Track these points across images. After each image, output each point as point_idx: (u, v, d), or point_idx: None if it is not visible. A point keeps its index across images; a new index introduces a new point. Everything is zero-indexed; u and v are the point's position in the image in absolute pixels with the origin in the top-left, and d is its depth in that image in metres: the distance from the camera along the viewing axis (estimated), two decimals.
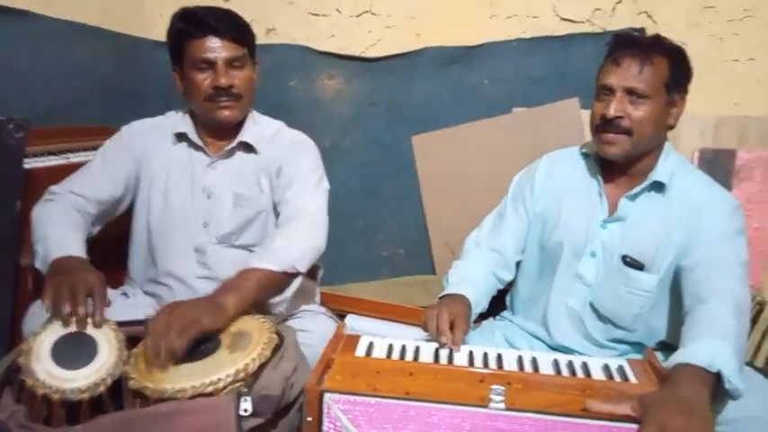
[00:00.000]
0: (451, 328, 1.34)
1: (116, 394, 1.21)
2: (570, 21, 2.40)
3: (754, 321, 1.98)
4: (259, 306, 1.43)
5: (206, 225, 1.65)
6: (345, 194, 2.59)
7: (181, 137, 1.68)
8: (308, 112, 2.59)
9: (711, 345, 1.12)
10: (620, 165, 1.49)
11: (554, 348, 1.56)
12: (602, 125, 1.44)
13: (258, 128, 1.70)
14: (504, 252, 1.65)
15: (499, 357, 1.27)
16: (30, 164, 1.77)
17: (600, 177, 1.54)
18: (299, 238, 1.52)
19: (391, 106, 2.57)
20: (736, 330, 1.18)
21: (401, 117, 2.56)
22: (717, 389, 1.10)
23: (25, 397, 1.18)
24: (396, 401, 1.06)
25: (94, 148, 1.77)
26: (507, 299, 1.75)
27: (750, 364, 1.87)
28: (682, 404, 1.01)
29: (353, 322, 2.11)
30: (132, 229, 1.72)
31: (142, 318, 1.45)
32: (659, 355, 1.31)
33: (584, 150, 1.61)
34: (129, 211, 1.72)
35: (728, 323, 1.19)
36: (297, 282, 1.52)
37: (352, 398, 1.07)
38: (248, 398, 1.16)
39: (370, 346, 1.30)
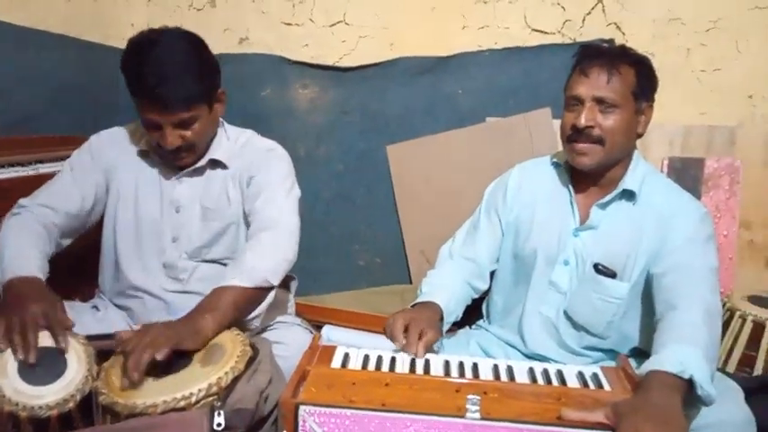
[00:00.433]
0: (407, 332, 1.34)
1: (86, 410, 1.18)
2: (541, 32, 2.44)
3: (724, 328, 2.01)
4: (236, 323, 1.41)
5: (175, 240, 1.63)
6: (320, 204, 2.59)
7: (146, 152, 1.65)
8: (281, 121, 2.59)
9: (683, 351, 1.14)
10: (590, 174, 1.51)
11: (529, 357, 1.57)
12: (574, 135, 1.46)
13: (228, 143, 1.67)
14: (478, 261, 1.66)
15: (475, 366, 1.27)
16: None
17: (571, 186, 1.56)
18: (271, 251, 1.50)
19: (365, 116, 2.57)
20: (707, 336, 1.20)
21: (375, 126, 2.56)
22: (689, 395, 1.12)
23: None
24: (372, 413, 1.05)
25: (64, 159, 1.73)
26: (483, 308, 1.76)
27: (722, 370, 1.90)
28: (655, 411, 1.02)
29: (330, 333, 2.09)
30: (102, 242, 1.69)
31: (113, 332, 1.43)
32: (632, 362, 1.32)
33: (554, 160, 1.63)
34: (100, 223, 1.69)
35: (699, 329, 1.20)
36: (271, 295, 1.50)
37: (327, 410, 1.05)
38: (221, 412, 1.14)
39: (346, 358, 1.29)
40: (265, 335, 1.56)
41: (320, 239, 2.60)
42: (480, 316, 1.76)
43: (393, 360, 1.29)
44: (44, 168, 1.90)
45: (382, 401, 1.09)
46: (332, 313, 2.29)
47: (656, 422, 0.99)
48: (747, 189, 2.31)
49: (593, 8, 2.39)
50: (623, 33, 2.38)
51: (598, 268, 1.48)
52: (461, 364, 1.28)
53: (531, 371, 1.27)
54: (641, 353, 1.50)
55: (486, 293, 1.73)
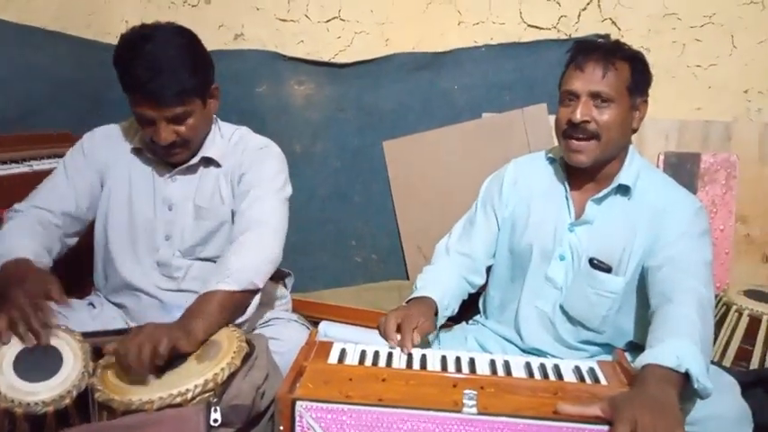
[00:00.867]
0: (400, 330, 1.34)
1: (82, 407, 1.18)
2: (536, 27, 2.44)
3: (721, 322, 2.02)
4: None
5: (168, 238, 1.62)
6: (316, 200, 2.59)
7: (139, 150, 1.64)
8: (277, 118, 2.58)
9: (678, 345, 1.14)
10: (586, 169, 1.51)
11: (526, 351, 1.57)
12: (569, 130, 1.46)
13: (222, 140, 1.66)
14: (474, 257, 1.66)
15: (472, 362, 1.28)
16: None
17: (566, 182, 1.56)
18: (255, 253, 1.48)
19: (361, 112, 2.57)
20: (702, 330, 1.20)
21: (371, 123, 2.56)
22: (686, 389, 1.12)
23: None
24: (368, 408, 1.05)
25: (59, 156, 1.73)
26: (480, 303, 1.76)
27: (718, 364, 1.90)
28: (651, 403, 1.03)
29: (327, 329, 2.10)
30: (94, 240, 1.68)
31: (109, 329, 1.43)
32: (628, 356, 1.33)
33: (550, 155, 1.63)
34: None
35: (694, 322, 1.21)
36: (257, 298, 1.49)
37: (324, 405, 1.06)
38: (218, 408, 1.14)
39: (343, 353, 1.29)
40: (262, 331, 1.56)
41: (317, 236, 2.60)
42: (477, 311, 1.77)
43: (390, 355, 1.29)
44: (39, 165, 1.90)
45: (379, 397, 1.09)
46: (329, 309, 2.29)
47: (654, 413, 1.00)
48: (743, 184, 2.32)
49: (588, 4, 2.39)
50: (618, 29, 2.38)
51: (593, 263, 1.49)
52: (458, 360, 1.28)
53: (528, 365, 1.27)
54: (637, 347, 1.50)
55: (483, 289, 1.73)
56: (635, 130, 1.52)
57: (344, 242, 2.63)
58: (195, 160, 1.61)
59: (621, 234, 1.47)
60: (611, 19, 2.38)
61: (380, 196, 2.57)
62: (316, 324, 1.57)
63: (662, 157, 2.35)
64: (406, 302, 1.51)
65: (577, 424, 1.03)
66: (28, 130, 2.08)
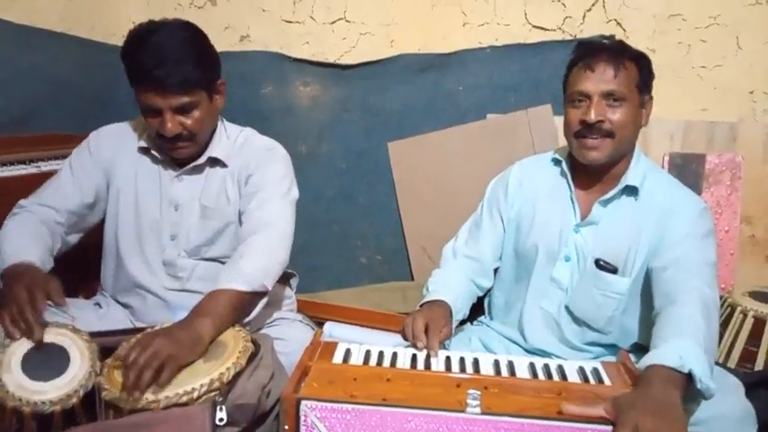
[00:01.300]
0: (426, 333, 1.35)
1: (89, 406, 1.19)
2: (541, 28, 2.44)
3: (725, 323, 2.02)
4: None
5: (174, 238, 1.63)
6: (321, 202, 2.60)
7: (146, 149, 1.65)
8: (283, 119, 2.59)
9: (682, 345, 1.14)
10: (592, 170, 1.51)
11: (530, 352, 1.57)
12: (583, 131, 1.46)
13: (228, 141, 1.67)
14: (481, 259, 1.66)
15: (476, 362, 1.28)
16: None
17: (571, 182, 1.56)
18: (266, 255, 1.50)
19: (366, 113, 2.57)
20: (706, 330, 1.20)
21: (376, 124, 2.57)
22: (689, 389, 1.12)
23: None
24: (373, 408, 1.06)
25: (64, 157, 1.74)
26: (485, 304, 1.76)
27: (723, 365, 1.90)
28: (654, 405, 1.03)
29: (332, 329, 2.11)
30: (104, 240, 1.69)
31: (115, 329, 1.44)
32: (633, 357, 1.33)
33: (555, 156, 1.63)
34: (103, 220, 1.69)
35: (698, 323, 1.21)
36: (263, 301, 1.50)
37: (329, 405, 1.06)
38: (223, 407, 1.15)
39: (348, 353, 1.29)
40: (267, 331, 1.56)
41: (322, 237, 2.60)
42: (482, 312, 1.77)
43: (394, 355, 1.30)
44: (45, 166, 1.91)
45: (383, 396, 1.10)
46: (333, 310, 2.30)
47: (656, 416, 1.00)
48: (748, 185, 2.31)
49: (593, 5, 2.39)
50: (624, 30, 2.37)
51: (599, 264, 1.49)
52: (462, 360, 1.29)
53: (532, 366, 1.27)
54: (642, 348, 1.50)
55: (488, 290, 1.73)
56: (642, 126, 1.53)
57: (349, 243, 2.63)
58: (202, 160, 1.62)
59: (627, 235, 1.47)
60: (615, 20, 2.38)
61: (385, 197, 2.58)
62: (320, 324, 1.59)
63: (667, 158, 2.34)
64: (420, 306, 1.52)
65: (581, 424, 1.03)
66: (31, 131, 2.08)
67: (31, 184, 1.63)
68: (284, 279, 1.83)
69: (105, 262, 1.70)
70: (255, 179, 1.61)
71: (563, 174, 1.59)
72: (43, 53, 2.19)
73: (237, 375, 1.21)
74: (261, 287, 1.45)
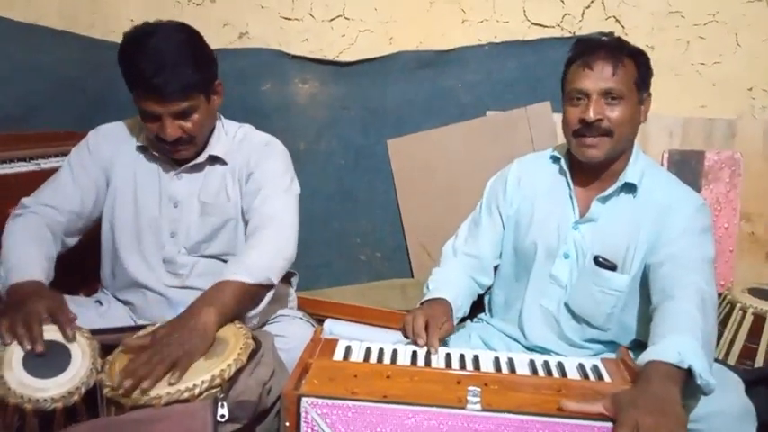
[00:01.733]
0: (426, 330, 1.35)
1: (91, 403, 1.19)
2: (540, 25, 2.44)
3: (725, 320, 2.02)
4: (235, 319, 1.41)
5: (173, 235, 1.63)
6: (321, 199, 2.60)
7: (144, 148, 1.65)
8: (282, 116, 2.59)
9: (681, 341, 1.14)
10: (591, 167, 1.52)
11: (530, 349, 1.58)
12: (582, 129, 1.46)
13: (227, 138, 1.67)
14: (481, 257, 1.66)
15: (476, 359, 1.28)
16: None
17: (570, 180, 1.56)
18: (272, 249, 1.50)
19: (365, 110, 2.57)
20: (704, 326, 1.20)
21: (376, 121, 2.57)
22: (689, 385, 1.12)
23: None
24: (373, 404, 1.06)
25: (65, 154, 1.74)
26: (485, 301, 1.77)
27: (723, 362, 1.91)
28: (653, 402, 1.03)
29: (332, 327, 2.11)
30: (101, 239, 1.69)
31: (116, 326, 1.44)
32: (632, 354, 1.33)
33: (553, 154, 1.64)
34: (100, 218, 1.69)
35: (696, 319, 1.21)
36: (269, 294, 1.50)
37: (329, 402, 1.06)
38: (225, 403, 1.15)
39: (348, 350, 1.30)
40: (267, 328, 1.57)
41: (321, 234, 2.60)
42: (481, 309, 1.77)
43: (394, 352, 1.30)
44: (45, 164, 1.91)
45: (384, 393, 1.10)
46: (333, 307, 2.30)
47: (655, 413, 1.00)
48: (748, 181, 2.32)
49: (592, 2, 2.39)
50: (622, 27, 2.38)
51: (598, 261, 1.49)
52: (462, 357, 1.29)
53: (532, 363, 1.28)
54: (641, 344, 1.50)
55: (488, 287, 1.74)
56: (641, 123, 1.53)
57: (349, 240, 2.64)
58: (202, 159, 1.62)
59: (626, 231, 1.48)
60: (614, 17, 2.38)
61: (385, 194, 2.58)
62: (321, 322, 1.59)
63: (666, 155, 2.35)
64: (421, 304, 1.52)
65: (581, 421, 1.03)
66: (32, 128, 2.09)
67: (32, 182, 1.64)
68: (285, 277, 1.83)
69: (103, 260, 1.70)
70: (256, 176, 1.61)
71: (562, 171, 1.59)
72: (44, 51, 2.19)
73: (239, 372, 1.21)
74: (266, 280, 1.45)
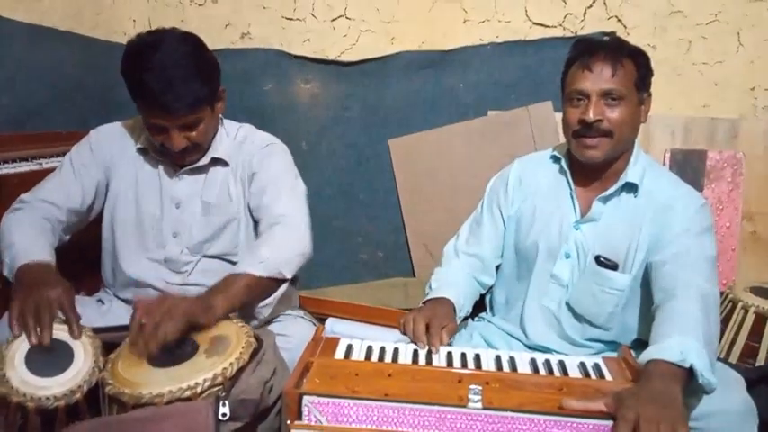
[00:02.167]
0: (428, 331, 1.35)
1: (93, 401, 1.20)
2: (542, 25, 2.44)
3: (727, 319, 2.02)
4: (246, 309, 1.43)
5: (176, 235, 1.63)
6: (323, 198, 2.60)
7: (145, 150, 1.65)
8: (283, 116, 2.60)
9: (682, 340, 1.14)
10: (591, 167, 1.51)
11: (532, 348, 1.57)
12: (582, 130, 1.46)
13: (228, 139, 1.67)
14: (483, 257, 1.66)
15: (477, 357, 1.28)
16: (0, 170, 1.75)
17: (571, 180, 1.56)
18: (286, 245, 1.51)
19: (367, 110, 2.58)
20: (706, 325, 1.20)
21: (377, 121, 2.57)
22: (690, 384, 1.13)
23: None
24: (375, 403, 1.06)
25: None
26: (487, 300, 1.77)
27: (724, 360, 1.90)
28: (655, 400, 1.03)
29: (334, 325, 2.11)
30: (102, 238, 1.69)
31: (118, 324, 1.44)
32: (634, 353, 1.33)
33: (554, 153, 1.63)
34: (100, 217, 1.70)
35: (697, 318, 1.21)
36: (283, 287, 1.51)
37: (330, 400, 1.06)
38: (226, 402, 1.15)
39: (349, 349, 1.30)
40: (269, 327, 1.57)
41: (323, 233, 2.59)
42: (483, 308, 1.77)
43: (396, 351, 1.30)
44: (47, 164, 1.91)
45: (385, 392, 1.10)
46: (335, 306, 2.30)
47: (656, 405, 1.01)
48: (750, 181, 2.32)
49: (594, 1, 2.39)
50: (624, 26, 2.38)
51: (599, 260, 1.49)
52: (464, 355, 1.29)
53: (534, 361, 1.28)
54: (643, 343, 1.50)
55: (490, 286, 1.74)
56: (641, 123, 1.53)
57: (351, 239, 2.64)
58: (205, 161, 1.63)
59: (627, 231, 1.48)
60: (616, 17, 2.38)
61: (386, 194, 2.58)
62: (322, 321, 1.59)
63: (668, 155, 2.35)
64: (423, 303, 1.52)
65: (582, 419, 1.03)
66: (36, 129, 2.09)
67: (33, 182, 1.64)
68: None
69: (103, 261, 1.71)
70: (260, 176, 1.62)
71: (562, 171, 1.59)
72: (47, 51, 2.20)
73: (240, 371, 1.21)
74: (278, 274, 1.46)
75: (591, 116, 1.43)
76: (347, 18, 2.57)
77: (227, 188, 1.64)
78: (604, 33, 2.34)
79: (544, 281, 1.56)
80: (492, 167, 1.80)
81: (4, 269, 1.43)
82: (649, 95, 1.52)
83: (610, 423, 1.02)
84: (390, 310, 2.23)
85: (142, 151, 1.65)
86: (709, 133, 2.36)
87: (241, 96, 2.49)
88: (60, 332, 1.26)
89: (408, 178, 2.55)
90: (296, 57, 2.60)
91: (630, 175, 1.49)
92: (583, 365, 1.26)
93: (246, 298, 1.41)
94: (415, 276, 2.56)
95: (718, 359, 1.29)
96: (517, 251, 1.63)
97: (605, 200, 1.51)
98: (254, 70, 2.59)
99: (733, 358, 1.97)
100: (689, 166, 2.33)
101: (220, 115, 1.68)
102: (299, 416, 1.07)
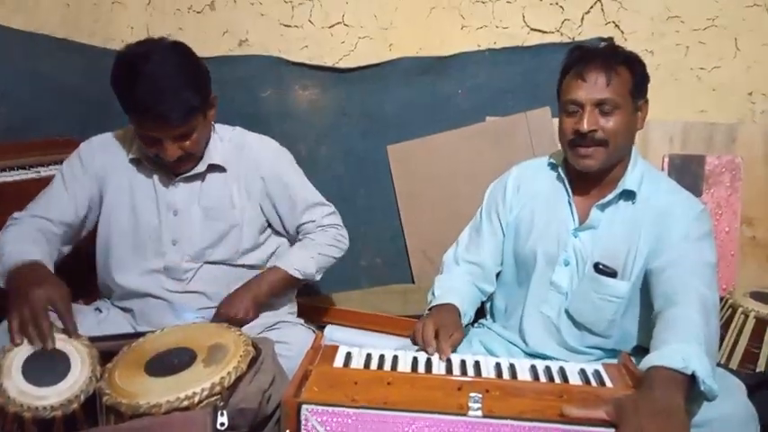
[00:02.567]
0: (437, 337, 1.35)
1: (90, 411, 1.19)
2: (540, 31, 2.44)
3: (727, 324, 2.02)
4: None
5: (175, 243, 1.63)
6: None
7: (138, 160, 1.64)
8: (281, 122, 2.59)
9: (684, 347, 1.13)
10: (590, 174, 1.51)
11: (531, 356, 1.57)
12: (577, 140, 1.46)
13: (222, 144, 1.67)
14: (483, 265, 1.66)
15: (477, 365, 1.28)
16: None
17: (569, 187, 1.56)
18: (328, 252, 1.81)
19: (365, 116, 2.58)
20: (707, 332, 1.19)
21: (375, 127, 2.57)
22: (691, 390, 1.12)
23: None
24: (374, 412, 1.06)
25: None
26: (486, 306, 1.76)
27: (725, 366, 1.90)
28: (657, 408, 1.02)
29: (332, 333, 2.11)
30: (96, 250, 1.69)
31: (115, 333, 1.44)
32: (634, 360, 1.32)
33: (551, 161, 1.63)
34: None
35: (699, 325, 1.20)
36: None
37: (329, 409, 1.06)
38: (224, 411, 1.15)
39: (348, 357, 1.29)
40: (268, 334, 1.56)
41: None
42: (483, 314, 1.77)
43: (395, 359, 1.29)
44: (44, 171, 1.91)
45: (384, 400, 1.10)
46: (334, 313, 2.30)
47: (658, 419, 0.99)
48: (748, 186, 2.32)
49: (591, 7, 2.39)
50: (622, 32, 2.38)
51: (598, 268, 1.48)
52: (463, 363, 1.28)
53: (534, 368, 1.27)
54: (643, 350, 1.49)
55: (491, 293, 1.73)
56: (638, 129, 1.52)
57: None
58: (201, 168, 1.62)
59: (626, 238, 1.47)
60: (614, 22, 2.38)
61: (385, 200, 2.58)
62: (321, 328, 1.59)
63: (666, 160, 2.35)
64: (428, 310, 1.52)
65: (583, 427, 1.03)
66: (34, 137, 2.09)
67: (30, 190, 1.64)
68: None
69: (99, 271, 1.70)
70: (282, 190, 1.71)
71: (560, 178, 1.59)
72: (45, 59, 2.19)
73: (239, 380, 1.21)
74: (311, 276, 1.75)
75: (585, 126, 1.43)
76: (345, 24, 2.57)
77: (230, 195, 1.64)
78: (602, 39, 2.34)
79: (543, 288, 1.56)
80: (491, 173, 1.80)
81: None
82: (646, 102, 1.51)
83: (611, 431, 1.02)
84: (389, 318, 2.23)
85: (135, 161, 1.64)
86: (708, 138, 2.36)
87: (239, 103, 2.49)
88: (57, 341, 1.25)
89: (407, 184, 2.55)
90: (294, 63, 2.60)
91: (628, 182, 1.48)
92: (583, 372, 1.25)
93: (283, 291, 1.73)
94: (414, 283, 2.55)
95: (719, 365, 1.28)
96: (516, 258, 1.63)
97: (603, 207, 1.50)
98: (253, 77, 2.59)
99: (733, 364, 1.96)
100: (687, 172, 2.33)
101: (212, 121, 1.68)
102: (298, 425, 1.06)
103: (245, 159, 1.66)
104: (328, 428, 1.06)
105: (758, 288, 2.14)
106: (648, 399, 1.05)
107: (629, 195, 1.49)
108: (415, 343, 1.39)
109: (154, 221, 1.63)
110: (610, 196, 1.49)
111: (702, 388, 1.11)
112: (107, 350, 1.29)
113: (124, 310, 1.67)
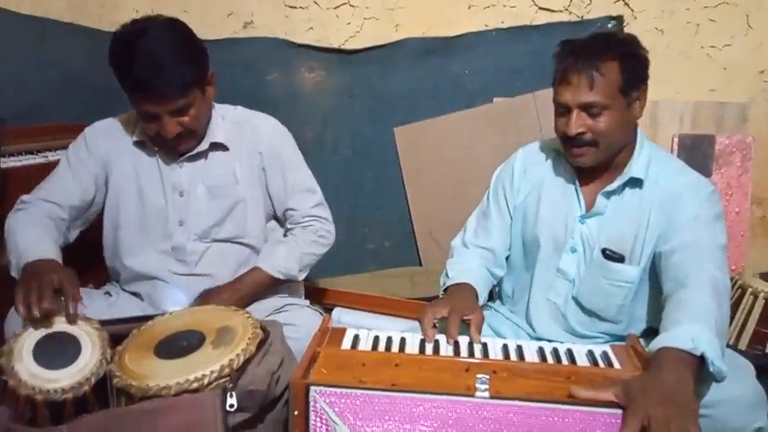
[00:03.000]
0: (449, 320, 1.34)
1: (101, 393, 1.20)
2: (548, 10, 2.42)
3: (736, 305, 2.01)
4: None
5: (182, 223, 1.64)
6: (328, 188, 2.56)
7: (142, 143, 1.65)
8: (288, 105, 2.59)
9: (694, 328, 1.13)
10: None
11: (539, 339, 1.57)
12: (567, 141, 1.44)
13: (225, 122, 1.68)
14: (493, 249, 1.64)
15: (485, 346, 1.28)
16: (6, 163, 1.75)
17: (575, 174, 1.54)
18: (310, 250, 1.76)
19: (372, 98, 2.57)
20: (717, 313, 1.19)
21: (382, 109, 2.56)
22: (700, 372, 1.11)
23: (8, 398, 1.16)
24: (382, 393, 1.06)
25: None
26: (495, 290, 1.76)
27: (734, 347, 1.89)
28: (665, 391, 1.02)
29: (340, 315, 2.11)
30: (103, 234, 1.70)
31: (125, 316, 1.45)
32: (643, 342, 1.32)
33: (556, 147, 1.60)
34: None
35: (709, 306, 1.20)
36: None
37: (338, 390, 1.06)
38: (234, 393, 1.16)
39: (356, 339, 1.29)
40: (276, 317, 1.57)
41: None
42: (491, 297, 1.76)
43: (402, 341, 1.30)
44: (54, 156, 1.92)
45: (392, 382, 1.10)
46: (342, 296, 2.31)
47: (667, 404, 0.99)
48: (759, 166, 2.30)
49: None
50: (631, 10, 2.35)
51: (606, 253, 1.47)
52: (471, 344, 1.29)
53: (541, 350, 1.27)
54: (652, 331, 1.49)
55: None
56: (637, 118, 1.48)
57: (357, 229, 2.63)
58: (204, 147, 1.63)
59: (634, 222, 1.45)
60: (623, 0, 2.35)
61: (392, 183, 2.57)
62: (329, 311, 1.59)
63: (676, 140, 2.33)
64: (444, 290, 1.52)
65: (590, 408, 1.03)
66: (41, 121, 2.09)
67: (39, 174, 1.64)
68: None
69: (107, 255, 1.71)
70: (277, 165, 1.70)
71: (566, 165, 1.56)
72: (52, 44, 2.19)
73: (247, 362, 1.21)
74: (293, 278, 1.71)
75: (572, 131, 1.41)
76: (351, 5, 2.55)
77: (233, 171, 1.65)
78: (610, 17, 2.31)
79: (550, 275, 1.55)
80: (498, 154, 1.79)
81: (12, 270, 1.44)
82: (645, 88, 1.45)
83: (618, 412, 1.01)
84: (397, 300, 2.23)
85: (139, 144, 1.65)
86: (718, 117, 2.33)
87: (244, 86, 2.48)
88: (67, 325, 1.26)
89: (414, 166, 2.54)
90: (300, 45, 2.58)
91: (634, 169, 1.45)
92: (591, 354, 1.25)
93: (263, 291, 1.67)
94: (421, 266, 2.56)
95: (728, 346, 1.27)
96: (524, 241, 1.62)
97: (608, 195, 1.48)
98: (258, 59, 2.58)
99: (742, 345, 1.96)
100: (697, 151, 2.30)
101: (213, 101, 1.68)
102: (307, 406, 1.07)
103: (247, 137, 1.67)
104: (336, 410, 1.06)
105: None
106: (657, 380, 1.05)
107: (635, 183, 1.47)
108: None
109: (160, 203, 1.63)
110: (615, 184, 1.47)
111: (711, 369, 1.10)
112: (117, 333, 1.30)
113: (134, 294, 1.68)
